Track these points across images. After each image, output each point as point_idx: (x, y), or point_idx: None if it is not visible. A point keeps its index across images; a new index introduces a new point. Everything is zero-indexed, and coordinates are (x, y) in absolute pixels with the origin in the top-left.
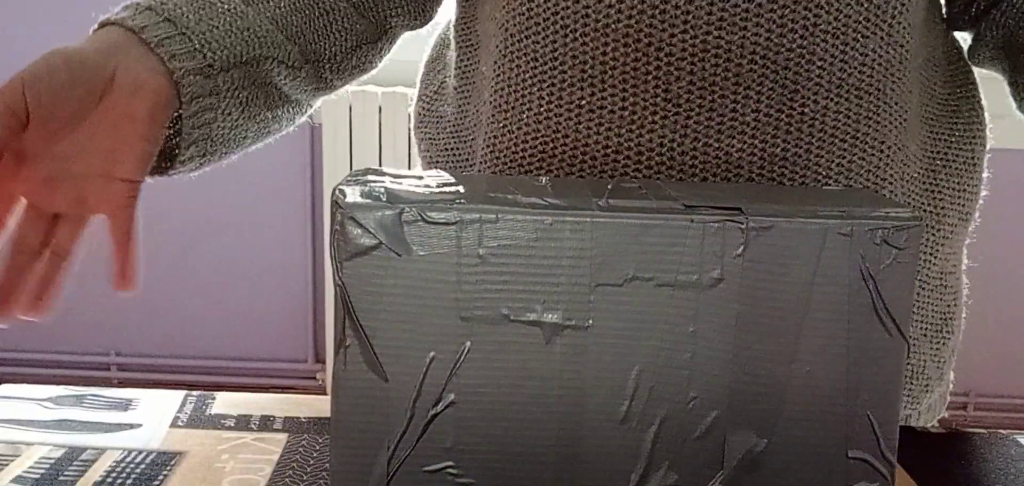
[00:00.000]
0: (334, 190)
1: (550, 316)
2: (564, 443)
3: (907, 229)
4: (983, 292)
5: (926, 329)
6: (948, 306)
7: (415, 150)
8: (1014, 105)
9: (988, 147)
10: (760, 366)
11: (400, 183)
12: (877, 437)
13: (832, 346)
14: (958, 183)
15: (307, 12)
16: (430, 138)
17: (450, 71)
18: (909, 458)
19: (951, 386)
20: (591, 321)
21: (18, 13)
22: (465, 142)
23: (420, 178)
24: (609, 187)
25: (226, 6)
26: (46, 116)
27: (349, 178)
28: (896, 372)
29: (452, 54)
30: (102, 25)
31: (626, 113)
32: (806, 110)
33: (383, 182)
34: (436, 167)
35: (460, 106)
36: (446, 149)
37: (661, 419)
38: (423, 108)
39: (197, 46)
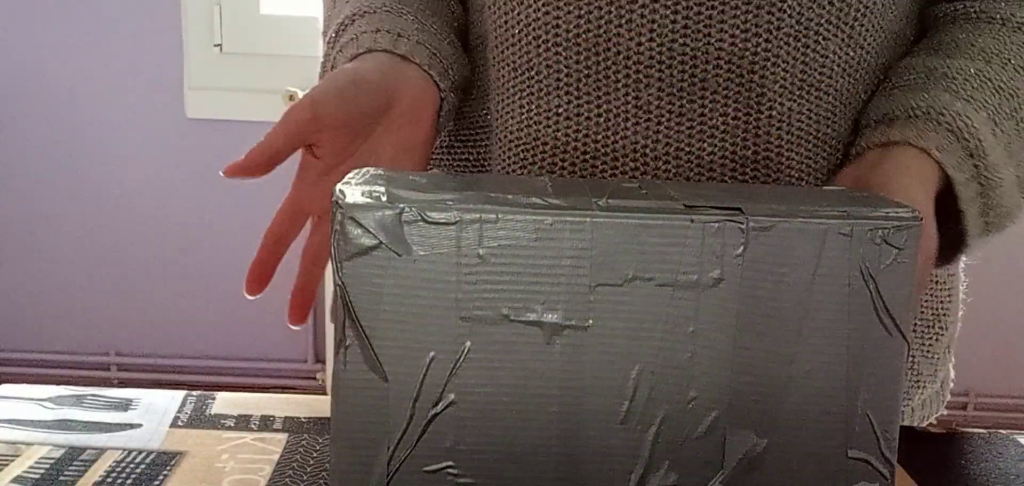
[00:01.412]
0: (334, 190)
1: (550, 316)
2: (564, 443)
3: (907, 229)
4: (983, 292)
5: (916, 325)
6: (941, 303)
7: None
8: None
9: None
10: (760, 366)
11: (400, 183)
12: (877, 437)
13: (832, 346)
14: None
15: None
16: None
17: None
18: (909, 458)
19: (952, 384)
20: (591, 321)
21: (17, 13)
22: (466, 144)
23: (420, 178)
24: (609, 187)
25: (447, 35)
26: (339, 125)
27: (349, 178)
28: (896, 372)
29: None
30: (363, 52)
31: (601, 119)
32: (773, 112)
33: (383, 182)
34: (432, 166)
35: (462, 111)
36: (444, 147)
37: (661, 419)
38: None
39: (447, 69)
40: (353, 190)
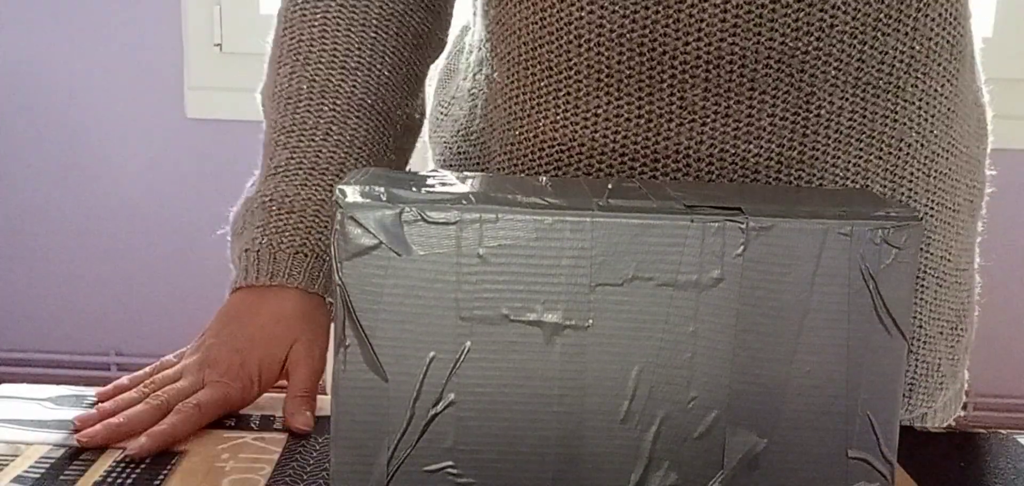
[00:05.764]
0: (334, 190)
1: (550, 316)
2: (564, 443)
3: (907, 229)
4: (983, 292)
5: (942, 327)
6: (962, 303)
7: (415, 152)
8: None
9: (991, 142)
10: (760, 366)
11: (400, 183)
12: (877, 437)
13: (832, 346)
14: (970, 179)
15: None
16: (444, 142)
17: (467, 74)
18: (909, 458)
19: (966, 384)
20: (591, 321)
21: (17, 12)
22: (474, 145)
23: (420, 178)
24: (609, 187)
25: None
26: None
27: (349, 178)
28: (896, 372)
29: (467, 58)
30: (278, 284)
31: (642, 121)
32: (822, 111)
33: (383, 182)
34: (448, 168)
35: (471, 109)
36: (458, 152)
37: (661, 419)
38: (440, 114)
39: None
40: (353, 190)
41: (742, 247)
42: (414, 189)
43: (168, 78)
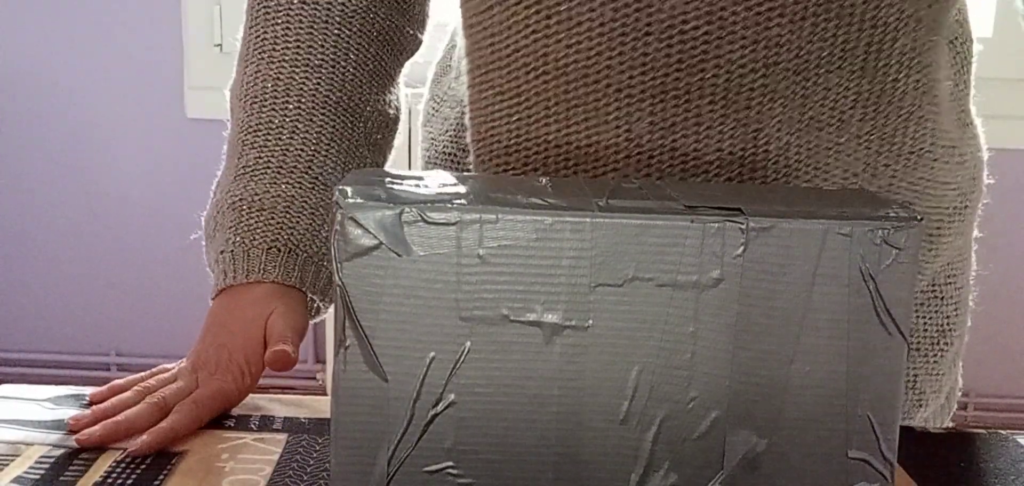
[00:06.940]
0: (334, 190)
1: (550, 316)
2: (564, 443)
3: (907, 229)
4: (983, 292)
5: (920, 343)
6: (946, 317)
7: (416, 151)
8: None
9: (986, 148)
10: (760, 366)
11: (400, 183)
12: (877, 437)
13: (832, 346)
14: (938, 220)
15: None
16: (432, 138)
17: (459, 74)
18: (909, 458)
19: (959, 393)
20: (591, 321)
21: (18, 12)
22: (462, 149)
23: (420, 178)
24: (609, 187)
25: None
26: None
27: (349, 178)
28: (896, 372)
29: (459, 62)
30: (253, 281)
31: (590, 150)
32: (771, 147)
33: (383, 182)
34: (434, 166)
35: (460, 114)
36: (444, 152)
37: (661, 419)
38: (432, 109)
39: (307, 270)
40: (353, 190)
41: (742, 247)
42: (414, 189)
43: (168, 78)
